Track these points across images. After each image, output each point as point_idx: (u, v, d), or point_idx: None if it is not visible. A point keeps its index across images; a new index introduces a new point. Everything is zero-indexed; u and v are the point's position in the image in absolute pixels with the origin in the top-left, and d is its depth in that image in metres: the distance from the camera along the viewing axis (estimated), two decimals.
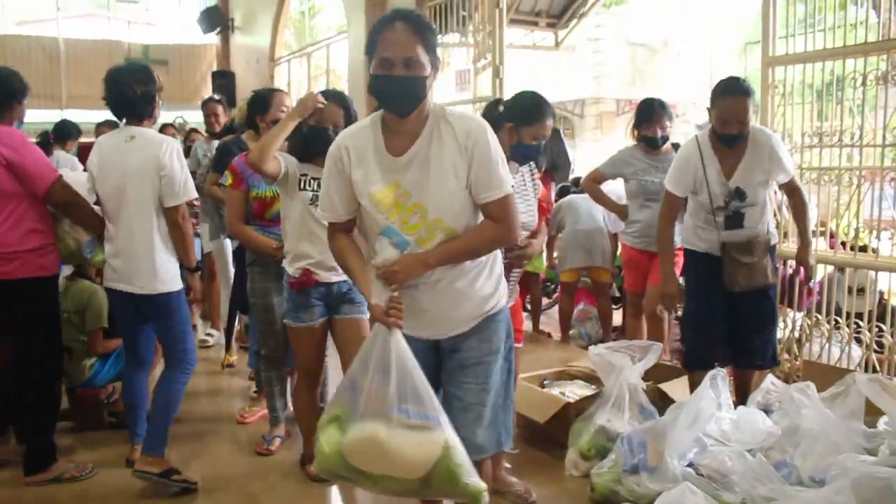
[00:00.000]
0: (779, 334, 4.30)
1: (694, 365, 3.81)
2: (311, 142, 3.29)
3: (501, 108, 3.35)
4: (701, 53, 19.75)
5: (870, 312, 3.91)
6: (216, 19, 12.73)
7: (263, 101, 4.02)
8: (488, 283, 2.41)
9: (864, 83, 3.79)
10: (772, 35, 4.15)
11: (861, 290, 4.17)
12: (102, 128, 5.52)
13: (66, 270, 4.25)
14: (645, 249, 4.49)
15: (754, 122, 3.65)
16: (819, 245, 4.29)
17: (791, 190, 3.77)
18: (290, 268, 3.31)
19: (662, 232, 3.86)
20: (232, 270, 5.30)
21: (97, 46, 12.87)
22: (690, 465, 3.15)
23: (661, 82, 17.40)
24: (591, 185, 4.83)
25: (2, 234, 3.31)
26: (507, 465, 3.41)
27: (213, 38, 13.08)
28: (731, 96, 3.53)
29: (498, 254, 2.46)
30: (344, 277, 3.16)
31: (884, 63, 3.75)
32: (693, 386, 3.69)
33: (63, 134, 7.38)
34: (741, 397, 3.87)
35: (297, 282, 3.29)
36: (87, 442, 4.02)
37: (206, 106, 5.83)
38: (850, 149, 3.96)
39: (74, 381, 4.16)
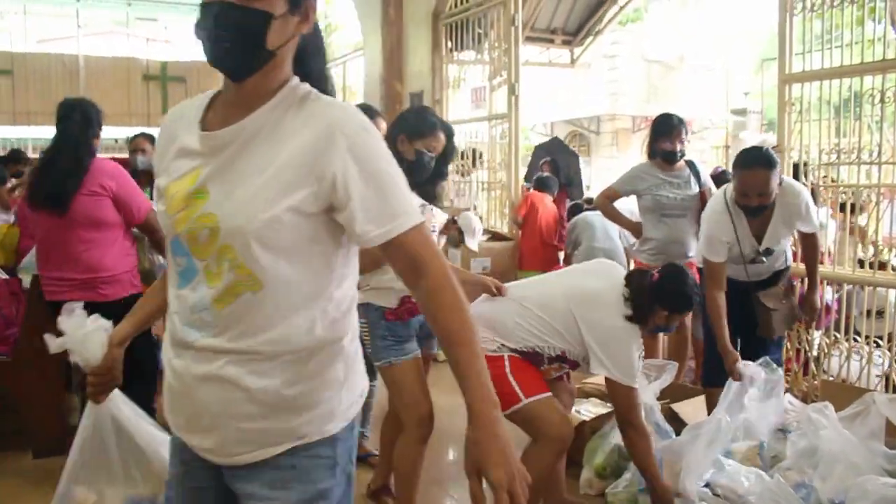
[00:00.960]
0: (794, 353, 4.27)
1: (713, 382, 3.74)
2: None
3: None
4: (716, 70, 19.72)
5: (891, 333, 3.87)
6: None
7: None
8: (308, 385, 1.44)
9: (882, 100, 3.77)
10: (788, 52, 4.13)
11: (880, 313, 4.13)
12: (139, 140, 5.46)
13: None
14: None
15: (783, 176, 3.62)
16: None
17: (809, 238, 3.78)
18: (382, 299, 2.96)
19: (713, 303, 3.57)
20: None
21: (116, 63, 12.94)
22: (707, 485, 3.11)
23: (676, 99, 17.38)
24: (605, 202, 4.77)
25: (107, 260, 3.60)
26: None
27: None
28: (749, 170, 3.45)
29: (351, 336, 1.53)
30: None
31: None
32: (710, 404, 3.64)
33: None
34: None
35: (402, 310, 2.97)
36: None
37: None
38: (868, 166, 3.93)
39: None
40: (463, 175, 7.05)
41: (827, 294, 4.26)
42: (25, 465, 3.91)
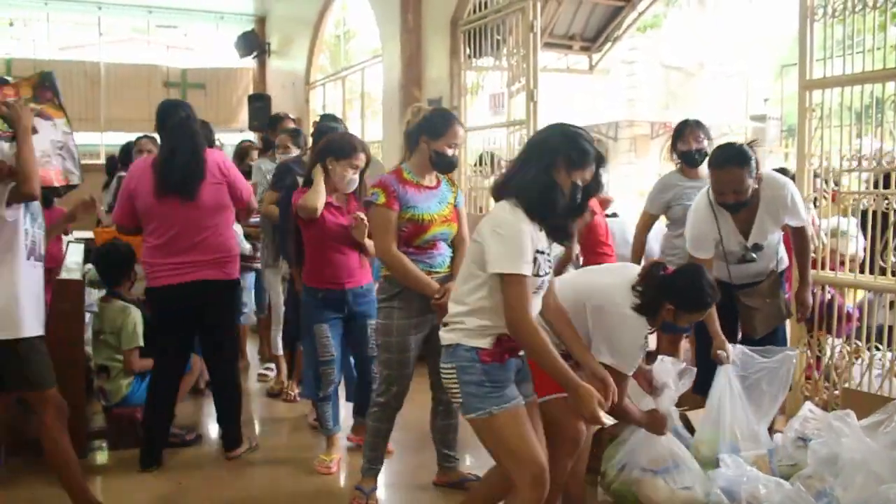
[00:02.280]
0: (815, 361, 4.23)
1: (704, 391, 3.67)
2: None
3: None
4: (736, 76, 19.62)
5: None
6: (253, 44, 12.91)
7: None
8: None
9: None
10: (809, 58, 4.10)
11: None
12: (143, 142, 5.64)
13: (101, 292, 4.36)
14: None
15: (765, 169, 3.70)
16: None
17: (798, 231, 3.78)
18: (474, 340, 2.60)
19: None
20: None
21: (137, 71, 13.10)
22: (723, 491, 3.09)
23: (695, 105, 17.30)
24: (642, 233, 4.73)
25: (224, 240, 4.04)
26: None
27: (250, 62, 13.25)
28: (721, 169, 3.51)
29: None
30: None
31: None
32: None
33: (127, 157, 7.53)
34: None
35: (499, 350, 2.61)
36: (124, 460, 4.06)
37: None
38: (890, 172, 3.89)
39: (111, 401, 4.22)
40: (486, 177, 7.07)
41: (848, 301, 4.23)
42: (46, 469, 3.94)
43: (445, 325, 2.69)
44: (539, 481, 2.53)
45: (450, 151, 3.40)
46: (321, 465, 4.01)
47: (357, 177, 3.92)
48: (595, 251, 5.00)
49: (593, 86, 17.37)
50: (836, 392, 4.06)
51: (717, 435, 3.42)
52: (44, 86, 3.22)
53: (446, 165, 3.48)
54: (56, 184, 3.25)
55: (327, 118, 5.22)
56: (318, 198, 3.78)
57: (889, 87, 3.83)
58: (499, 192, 2.64)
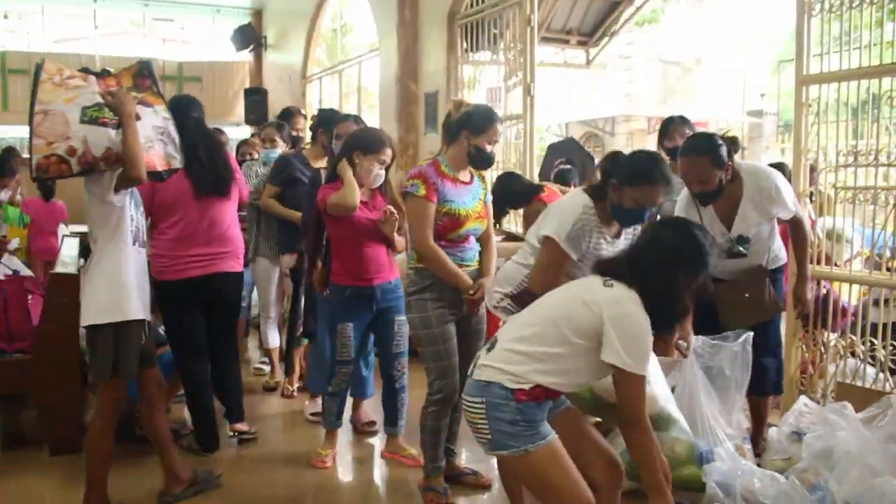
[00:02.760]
0: (810, 355, 4.24)
1: None
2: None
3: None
4: (733, 71, 19.63)
5: None
6: (249, 37, 12.88)
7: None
8: None
9: None
10: (806, 53, 4.10)
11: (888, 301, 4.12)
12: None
13: None
14: None
15: (740, 159, 3.70)
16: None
17: (793, 224, 3.74)
18: (515, 384, 2.46)
19: None
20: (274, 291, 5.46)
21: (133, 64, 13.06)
22: (718, 485, 3.10)
23: (692, 100, 17.32)
24: None
25: (237, 233, 4.22)
26: None
27: (247, 56, 13.23)
28: (685, 157, 3.53)
29: None
30: None
31: None
32: None
33: None
34: (759, 426, 3.84)
35: (535, 392, 2.46)
36: (119, 455, 4.05)
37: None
38: (886, 168, 3.90)
39: None
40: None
41: (843, 296, 4.24)
42: (42, 462, 3.94)
43: (478, 366, 2.57)
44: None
45: (489, 148, 3.40)
46: (317, 459, 4.00)
47: (383, 172, 3.86)
48: None
49: (590, 81, 17.36)
50: (831, 386, 4.08)
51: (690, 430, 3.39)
52: (142, 75, 3.34)
53: (484, 162, 3.46)
54: (159, 168, 3.32)
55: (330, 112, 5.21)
56: (356, 194, 3.70)
57: (885, 82, 3.83)
58: (618, 271, 2.53)
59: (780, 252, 3.87)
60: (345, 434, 4.38)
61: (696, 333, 3.52)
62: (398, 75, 8.00)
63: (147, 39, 15.99)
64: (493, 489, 3.70)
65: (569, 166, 7.12)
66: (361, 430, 4.53)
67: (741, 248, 3.62)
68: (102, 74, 3.27)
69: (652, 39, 19.11)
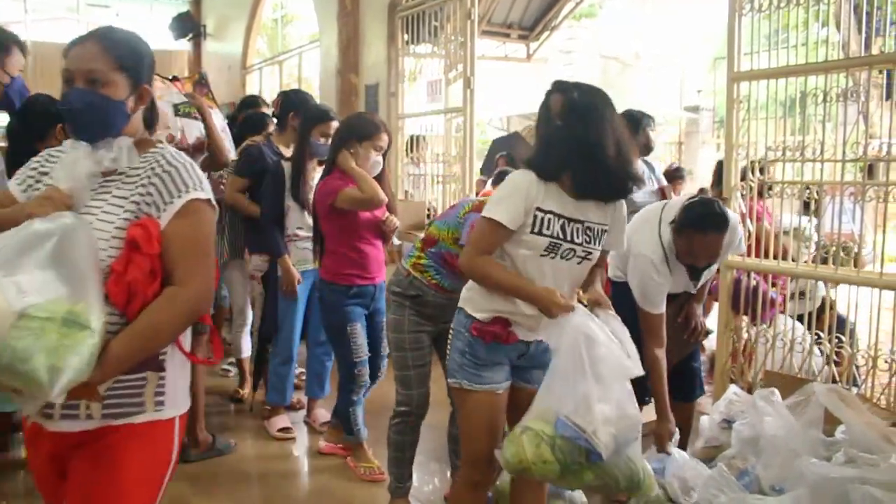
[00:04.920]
0: (740, 345, 4.37)
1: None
2: None
3: None
4: (671, 67, 19.95)
5: (830, 325, 3.97)
6: (188, 26, 12.66)
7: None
8: None
9: (825, 100, 3.87)
10: (737, 51, 4.21)
11: (803, 294, 4.27)
12: None
13: None
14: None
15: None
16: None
17: None
18: (474, 311, 2.58)
19: (655, 363, 3.31)
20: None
21: None
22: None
23: (631, 95, 17.54)
24: None
25: None
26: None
27: (185, 45, 13.02)
28: (704, 234, 3.20)
29: None
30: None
31: (844, 80, 3.82)
32: None
33: None
34: (686, 434, 3.81)
35: (491, 330, 2.55)
36: None
37: None
38: (812, 163, 4.02)
39: None
40: (417, 165, 7.11)
41: (771, 288, 4.37)
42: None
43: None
44: (479, 466, 2.62)
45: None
46: (368, 473, 3.82)
47: (381, 159, 3.71)
48: None
49: (531, 74, 17.47)
50: (760, 375, 4.20)
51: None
52: (200, 83, 4.00)
53: None
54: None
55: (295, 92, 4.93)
56: (376, 186, 3.56)
57: (811, 80, 3.96)
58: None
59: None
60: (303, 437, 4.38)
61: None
62: (339, 67, 7.95)
63: (81, 26, 15.59)
64: None
65: (508, 168, 7.19)
66: (319, 430, 4.44)
67: (693, 292, 3.57)
68: (172, 80, 3.89)
69: (592, 34, 19.31)
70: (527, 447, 2.32)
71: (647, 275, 3.31)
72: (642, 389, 3.42)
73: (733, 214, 3.48)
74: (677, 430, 3.37)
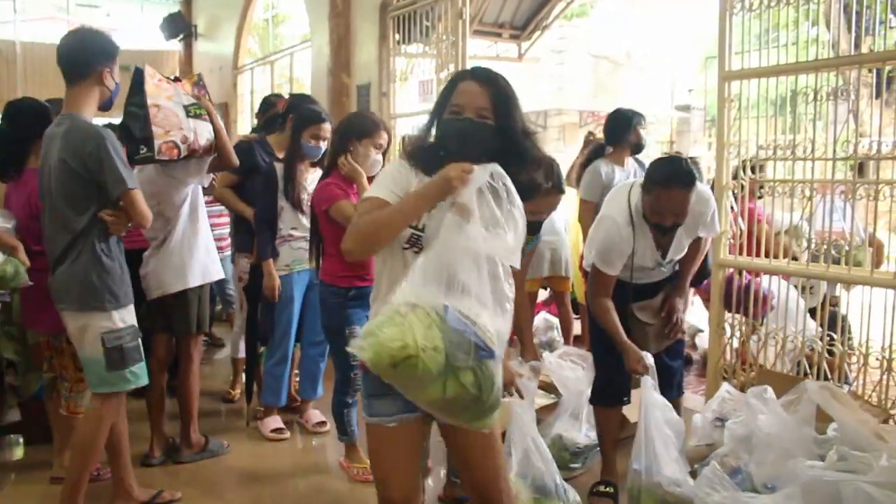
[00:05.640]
0: (735, 343, 4.38)
1: (608, 401, 3.55)
2: None
3: None
4: (662, 66, 20.00)
5: (822, 323, 3.99)
6: (179, 26, 12.63)
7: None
8: None
9: (815, 98, 3.88)
10: (728, 50, 4.23)
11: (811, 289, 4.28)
12: None
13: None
14: None
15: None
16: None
17: (700, 240, 3.54)
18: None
19: (600, 307, 3.34)
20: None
21: (56, 51, 12.67)
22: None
23: (622, 94, 17.59)
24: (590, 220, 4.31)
25: None
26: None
27: (176, 45, 12.98)
28: (667, 189, 3.15)
29: None
30: None
31: (834, 79, 3.83)
32: (606, 423, 3.55)
33: None
34: None
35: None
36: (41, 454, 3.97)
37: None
38: (802, 162, 4.03)
39: (23, 396, 4.04)
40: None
41: (764, 285, 4.38)
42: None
43: None
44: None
45: None
46: (361, 473, 3.80)
47: (380, 157, 3.70)
48: None
49: (522, 74, 17.49)
50: (753, 373, 4.22)
51: None
52: (199, 85, 3.85)
53: None
54: None
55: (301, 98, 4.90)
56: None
57: (802, 79, 3.97)
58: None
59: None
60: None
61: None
62: (330, 67, 7.94)
63: (71, 26, 15.54)
64: None
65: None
66: (312, 431, 4.45)
67: (664, 269, 3.49)
68: (177, 79, 3.87)
69: (584, 34, 19.34)
70: (416, 328, 1.87)
71: (609, 234, 3.33)
72: (621, 389, 3.51)
73: (706, 188, 3.46)
74: (651, 359, 3.25)
